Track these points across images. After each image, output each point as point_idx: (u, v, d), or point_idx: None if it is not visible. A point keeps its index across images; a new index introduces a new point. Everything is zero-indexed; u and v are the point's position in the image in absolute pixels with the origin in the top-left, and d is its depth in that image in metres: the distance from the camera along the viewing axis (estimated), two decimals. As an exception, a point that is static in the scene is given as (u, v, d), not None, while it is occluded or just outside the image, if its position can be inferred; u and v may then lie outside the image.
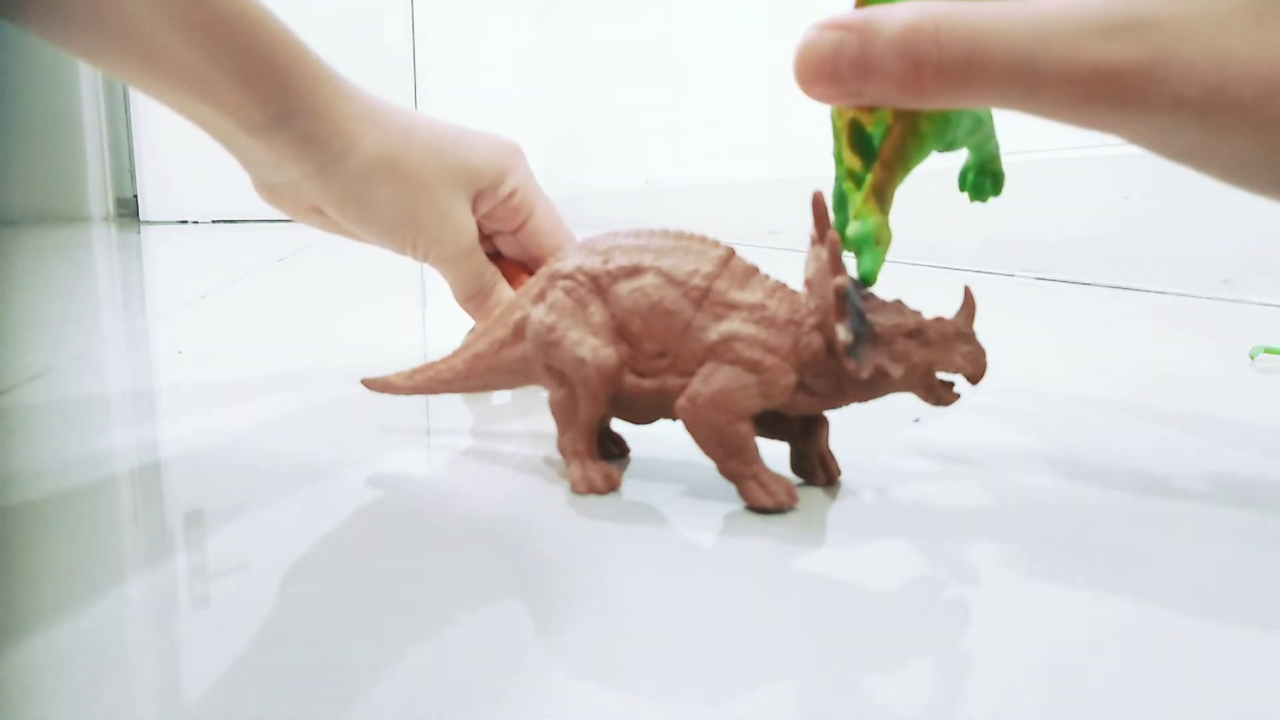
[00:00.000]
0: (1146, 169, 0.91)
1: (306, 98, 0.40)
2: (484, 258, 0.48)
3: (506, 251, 0.50)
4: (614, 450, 0.35)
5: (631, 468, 0.33)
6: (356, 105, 0.42)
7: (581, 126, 2.99)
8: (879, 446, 0.36)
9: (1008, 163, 0.34)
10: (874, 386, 0.29)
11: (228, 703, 0.18)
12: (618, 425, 0.35)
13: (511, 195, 0.47)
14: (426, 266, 0.47)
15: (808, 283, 0.29)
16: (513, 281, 0.50)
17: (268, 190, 0.45)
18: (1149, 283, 0.89)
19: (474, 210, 0.47)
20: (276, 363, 0.55)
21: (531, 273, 0.50)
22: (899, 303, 0.29)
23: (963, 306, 0.29)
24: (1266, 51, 0.22)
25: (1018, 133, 1.18)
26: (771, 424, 0.31)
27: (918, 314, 0.29)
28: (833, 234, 0.28)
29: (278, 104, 0.39)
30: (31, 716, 0.18)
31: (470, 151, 0.45)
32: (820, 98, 0.26)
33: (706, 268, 0.29)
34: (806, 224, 0.29)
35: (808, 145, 1.60)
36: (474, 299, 0.48)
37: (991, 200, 0.33)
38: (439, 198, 0.44)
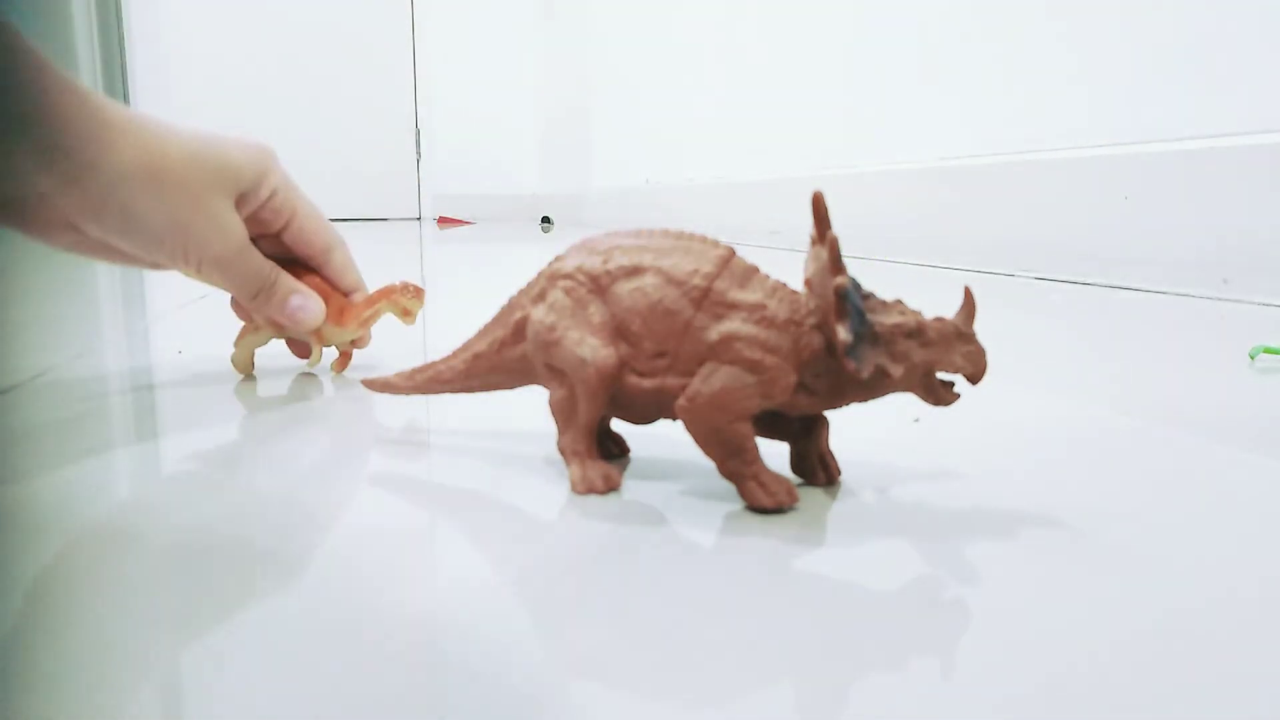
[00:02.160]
0: (1146, 169, 0.91)
1: (45, 104, 0.39)
2: (258, 254, 0.47)
3: (270, 253, 0.49)
4: (614, 450, 0.35)
5: (631, 468, 0.33)
6: (106, 114, 0.41)
7: (583, 127, 2.99)
8: (879, 446, 0.36)
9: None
10: (874, 386, 0.29)
11: (228, 702, 0.18)
12: (618, 425, 0.35)
13: (273, 196, 0.47)
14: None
15: (808, 283, 0.29)
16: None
17: (9, 209, 0.41)
18: (1149, 283, 0.89)
19: (240, 211, 0.46)
20: (276, 363, 0.55)
21: (305, 269, 0.50)
22: (899, 303, 0.29)
23: (963, 306, 0.29)
24: None
25: (1018, 132, 1.18)
26: (771, 424, 0.31)
27: (918, 314, 0.29)
28: (832, 234, 0.28)
29: (9, 107, 0.38)
30: (33, 716, 0.18)
31: (227, 155, 0.45)
32: None
33: (706, 268, 0.29)
34: (806, 224, 0.29)
35: (808, 145, 1.60)
36: (260, 296, 0.48)
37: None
38: (204, 201, 0.44)
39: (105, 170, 0.41)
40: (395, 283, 0.51)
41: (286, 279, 0.48)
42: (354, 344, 0.52)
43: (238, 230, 0.45)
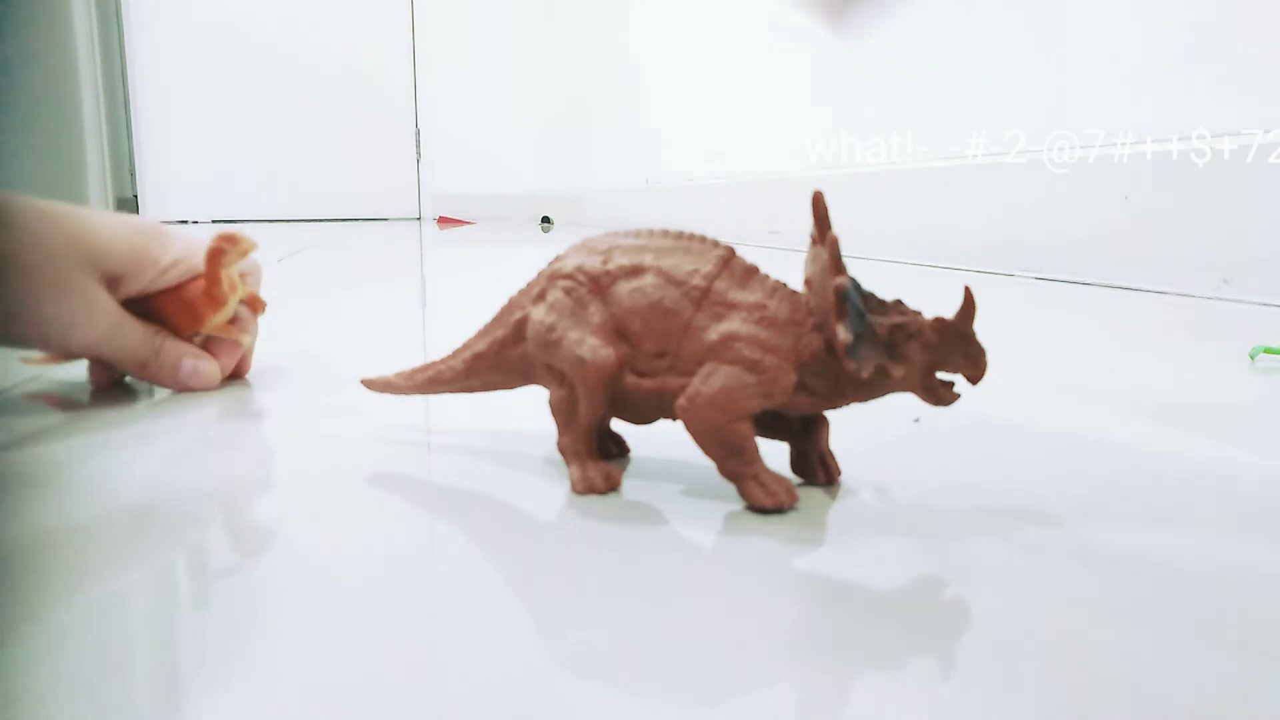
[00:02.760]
0: (1146, 169, 0.91)
1: None
2: (135, 325, 0.45)
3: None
4: (614, 450, 0.35)
5: (631, 468, 0.33)
6: None
7: (583, 127, 2.99)
8: (879, 446, 0.36)
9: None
10: (874, 386, 0.29)
11: (227, 701, 0.18)
12: (618, 425, 0.35)
13: (164, 273, 0.45)
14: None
15: (808, 283, 0.29)
16: (188, 297, 0.46)
17: None
18: (1149, 283, 0.89)
19: (116, 290, 0.44)
20: (276, 362, 0.55)
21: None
22: (899, 303, 0.29)
23: (963, 306, 0.29)
24: None
25: (1016, 133, 1.18)
26: (771, 424, 0.31)
27: (918, 314, 0.29)
28: (832, 234, 0.28)
29: None
30: (31, 712, 0.18)
31: (96, 237, 0.43)
32: None
33: (706, 268, 0.29)
34: (806, 224, 0.29)
35: (807, 145, 1.60)
36: (148, 367, 0.46)
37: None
38: (68, 284, 0.42)
39: None
40: (212, 244, 0.47)
41: (172, 345, 0.46)
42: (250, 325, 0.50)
43: (107, 308, 0.43)
